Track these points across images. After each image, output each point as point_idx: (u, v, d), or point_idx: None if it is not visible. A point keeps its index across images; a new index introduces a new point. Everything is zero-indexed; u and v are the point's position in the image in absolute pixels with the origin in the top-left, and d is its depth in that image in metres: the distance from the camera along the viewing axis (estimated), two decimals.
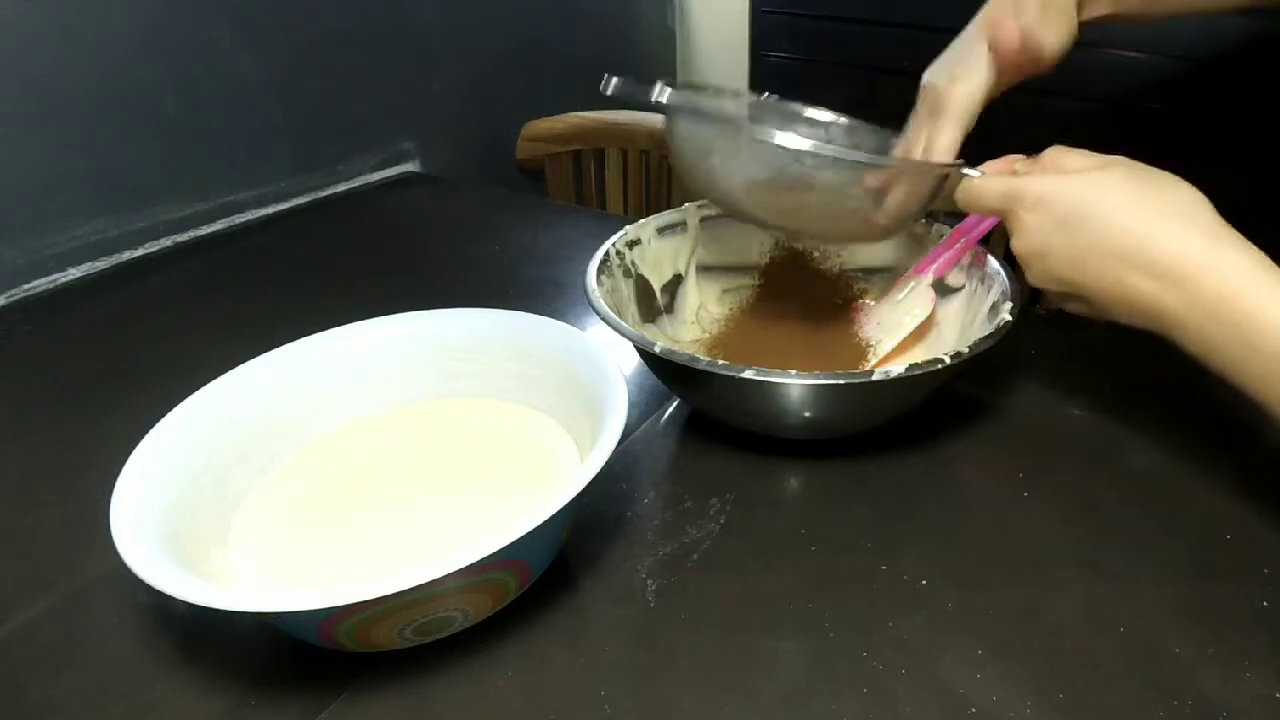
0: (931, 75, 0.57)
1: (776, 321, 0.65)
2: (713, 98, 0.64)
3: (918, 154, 0.57)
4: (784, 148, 0.50)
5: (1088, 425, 0.57)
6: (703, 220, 0.66)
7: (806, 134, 0.61)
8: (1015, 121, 0.54)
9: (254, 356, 0.50)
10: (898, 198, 0.54)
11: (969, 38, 0.56)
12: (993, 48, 0.54)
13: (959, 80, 0.55)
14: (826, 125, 0.63)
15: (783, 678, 0.40)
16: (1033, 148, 0.51)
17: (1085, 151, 0.48)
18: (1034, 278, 0.48)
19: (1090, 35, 0.57)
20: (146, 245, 0.87)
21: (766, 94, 0.63)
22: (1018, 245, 0.48)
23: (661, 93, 0.53)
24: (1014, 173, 0.50)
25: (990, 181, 0.50)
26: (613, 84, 0.53)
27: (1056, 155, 0.49)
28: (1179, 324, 0.43)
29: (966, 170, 0.52)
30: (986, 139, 0.55)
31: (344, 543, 0.46)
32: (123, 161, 0.84)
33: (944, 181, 0.54)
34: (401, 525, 0.47)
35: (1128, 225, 0.44)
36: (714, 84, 0.64)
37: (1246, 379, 0.42)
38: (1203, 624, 0.42)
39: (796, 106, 0.63)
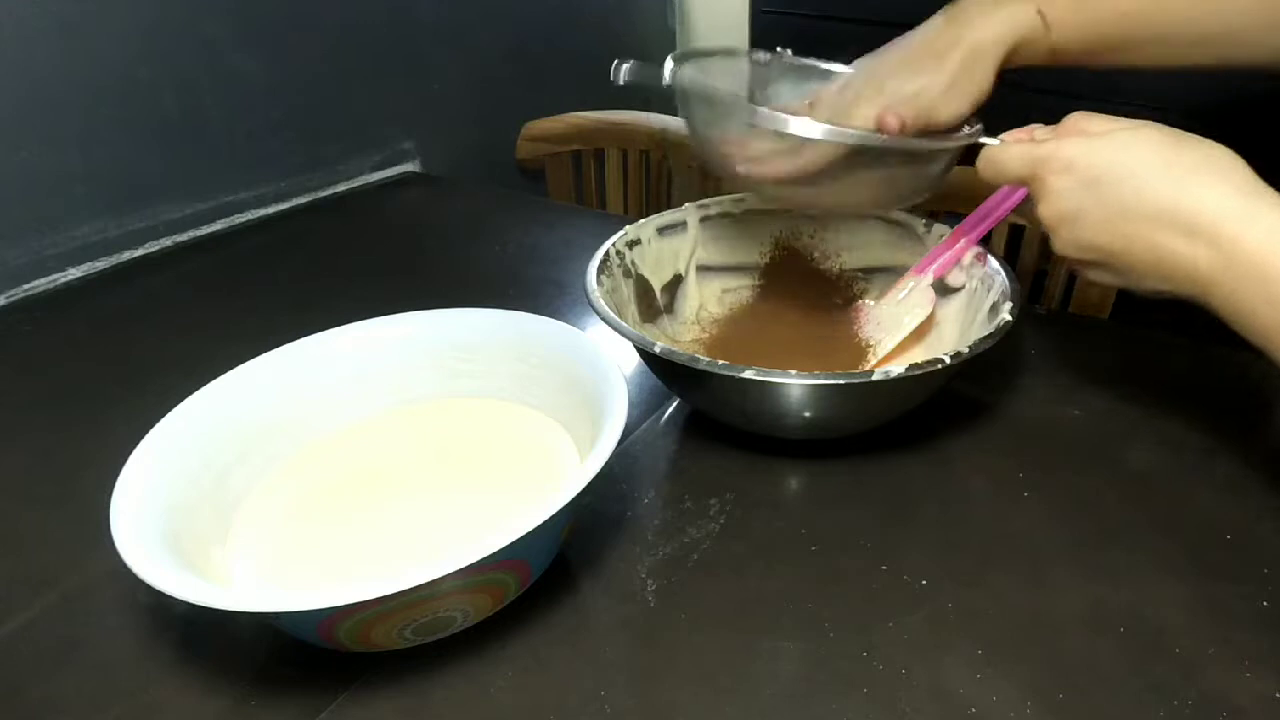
0: (859, 66, 0.57)
1: (776, 321, 0.65)
2: (723, 61, 0.63)
3: (826, 112, 0.56)
4: (794, 135, 0.50)
5: (1088, 425, 0.57)
6: (703, 220, 0.66)
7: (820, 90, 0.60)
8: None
9: (254, 356, 0.50)
10: (916, 171, 0.54)
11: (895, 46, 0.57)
12: (877, 122, 0.54)
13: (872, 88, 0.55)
14: (839, 76, 0.62)
15: (783, 678, 0.40)
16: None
17: (1108, 116, 0.46)
18: (1061, 245, 0.47)
19: None
20: (146, 245, 0.87)
21: (779, 49, 0.62)
22: (1046, 211, 0.47)
23: (671, 74, 0.53)
24: (1034, 140, 0.49)
25: (1014, 148, 0.48)
26: (623, 71, 0.53)
27: (1079, 119, 0.47)
28: (1213, 285, 0.42)
29: (986, 139, 0.51)
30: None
31: (344, 543, 0.46)
32: (123, 161, 0.84)
33: (960, 154, 0.53)
34: (401, 525, 0.47)
35: (1161, 185, 0.42)
36: (724, 46, 0.63)
37: (1276, 342, 0.41)
38: (1203, 624, 0.42)
39: (810, 62, 0.62)
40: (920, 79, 0.54)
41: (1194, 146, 0.43)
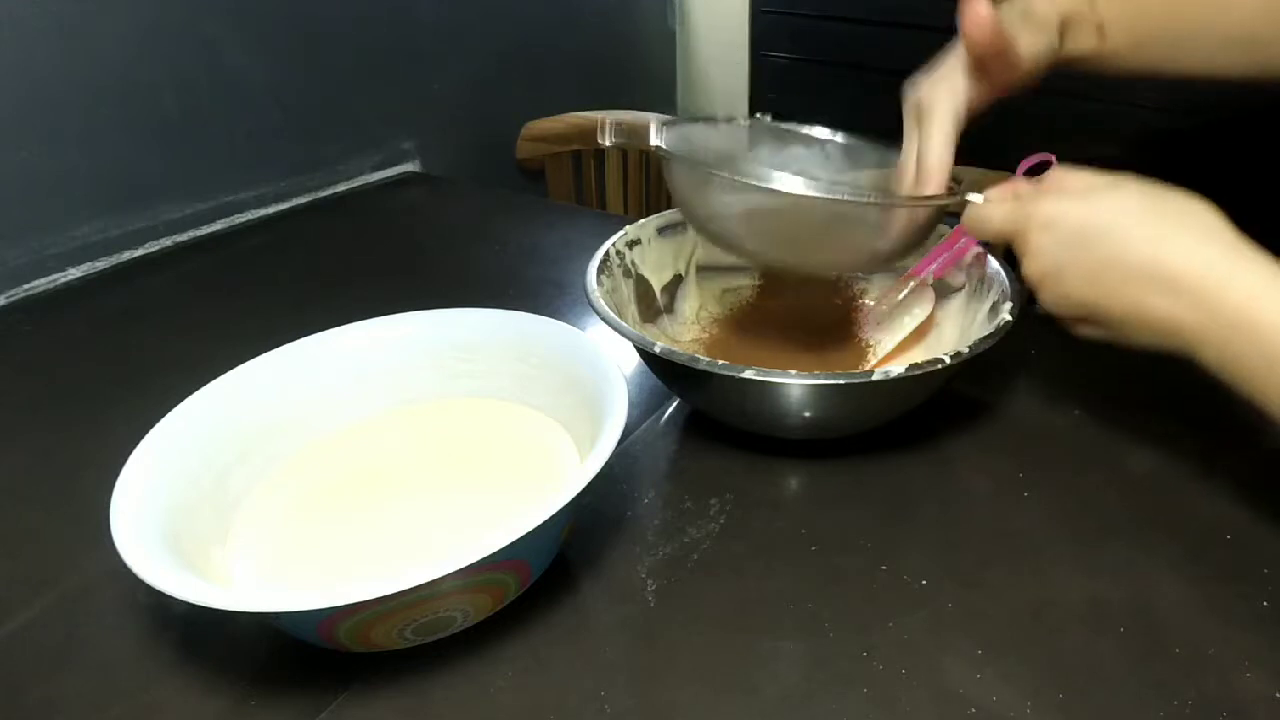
0: (911, 86, 0.56)
1: (776, 321, 0.65)
2: (706, 129, 0.63)
3: (910, 166, 0.55)
4: (779, 191, 0.49)
5: (1088, 425, 0.57)
6: None
7: (803, 156, 0.60)
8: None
9: (254, 356, 0.50)
10: (899, 229, 0.54)
11: (947, 51, 0.55)
12: (964, 36, 0.52)
13: (939, 84, 0.54)
14: (823, 144, 0.62)
15: (783, 678, 0.40)
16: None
17: (1089, 172, 0.47)
18: (1047, 301, 0.47)
19: None
20: (146, 245, 0.87)
21: (759, 115, 0.63)
22: (1029, 268, 0.47)
23: (658, 135, 0.53)
24: (1017, 196, 0.49)
25: (997, 207, 0.49)
26: (609, 133, 0.53)
27: (1060, 177, 0.48)
28: (1199, 341, 0.42)
29: (970, 197, 0.51)
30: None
31: (344, 543, 0.46)
32: (123, 161, 0.84)
33: (945, 210, 0.53)
34: (401, 525, 0.47)
35: (1142, 242, 0.43)
36: (708, 114, 0.63)
37: (1269, 396, 0.41)
38: (1202, 624, 0.42)
39: (793, 127, 0.62)
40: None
41: (1174, 202, 0.44)
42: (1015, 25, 0.53)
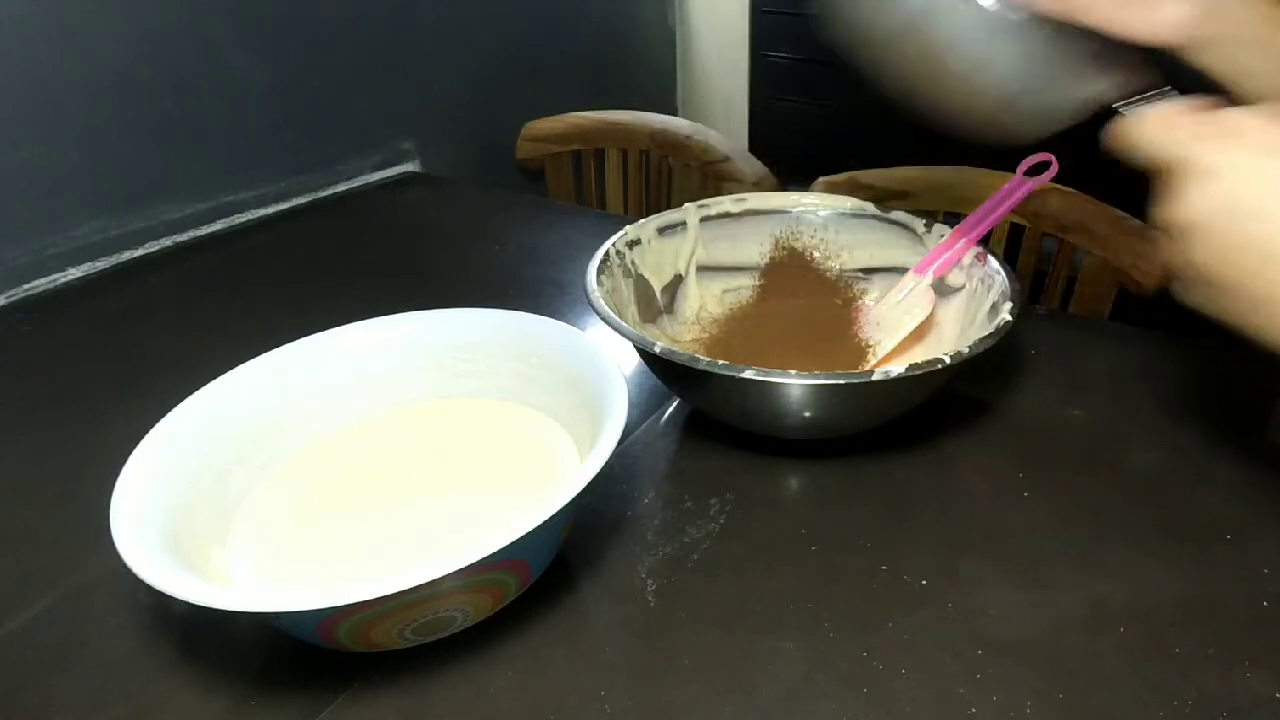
0: None
1: (776, 322, 0.65)
2: None
3: None
4: None
5: (1088, 425, 0.57)
6: (703, 220, 0.66)
7: None
8: None
9: (254, 356, 0.50)
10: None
11: None
12: None
13: None
14: None
15: (783, 678, 0.40)
16: None
17: (1277, 118, 0.39)
18: (1170, 252, 0.41)
19: None
20: (146, 245, 0.87)
21: None
22: (1166, 212, 0.40)
23: None
24: (1190, 129, 0.41)
25: (1159, 131, 0.41)
26: None
27: (1242, 121, 0.40)
28: None
29: (1140, 105, 0.44)
30: None
31: (344, 543, 0.46)
32: (123, 161, 0.84)
33: (1110, 97, 0.45)
34: (401, 525, 0.47)
35: None
36: None
37: None
38: (1203, 624, 0.42)
39: None
40: None
41: None
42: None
